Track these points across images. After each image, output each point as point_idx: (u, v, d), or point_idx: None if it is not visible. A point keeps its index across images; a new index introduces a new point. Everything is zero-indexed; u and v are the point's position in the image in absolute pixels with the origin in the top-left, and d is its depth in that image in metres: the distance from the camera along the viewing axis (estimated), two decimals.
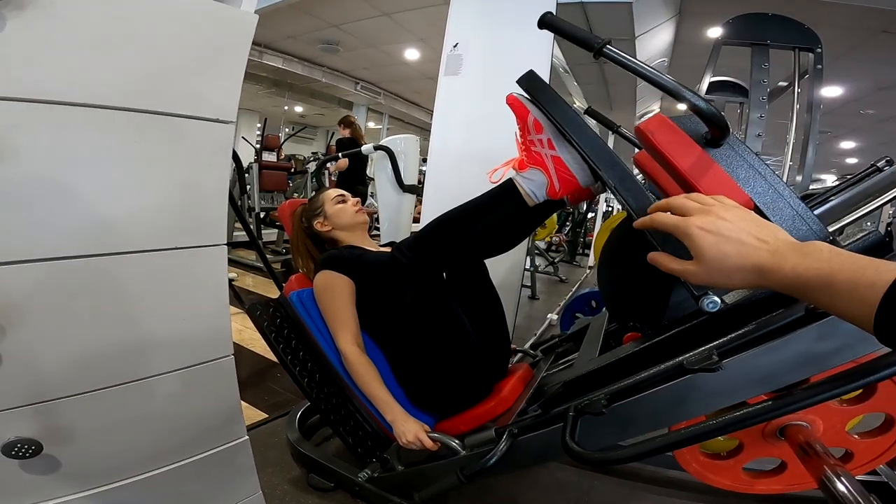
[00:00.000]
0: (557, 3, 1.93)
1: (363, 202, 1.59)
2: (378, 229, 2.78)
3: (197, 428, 0.84)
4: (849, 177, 1.12)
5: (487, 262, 1.29)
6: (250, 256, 4.02)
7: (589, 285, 4.24)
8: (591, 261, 5.77)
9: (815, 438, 0.86)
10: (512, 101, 1.00)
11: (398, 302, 1.15)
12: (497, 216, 1.06)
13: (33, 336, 0.63)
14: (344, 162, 3.70)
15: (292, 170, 5.42)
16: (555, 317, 3.05)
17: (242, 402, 0.90)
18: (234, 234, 4.09)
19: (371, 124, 9.87)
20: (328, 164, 4.22)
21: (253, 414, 1.64)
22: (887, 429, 0.92)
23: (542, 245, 5.20)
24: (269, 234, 4.74)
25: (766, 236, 0.47)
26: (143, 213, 0.70)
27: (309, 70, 6.79)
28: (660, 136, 0.79)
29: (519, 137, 1.04)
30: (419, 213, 2.26)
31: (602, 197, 6.02)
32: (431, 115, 2.16)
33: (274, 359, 1.23)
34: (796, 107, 2.11)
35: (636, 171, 1.14)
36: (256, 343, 2.14)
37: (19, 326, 0.61)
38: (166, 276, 0.75)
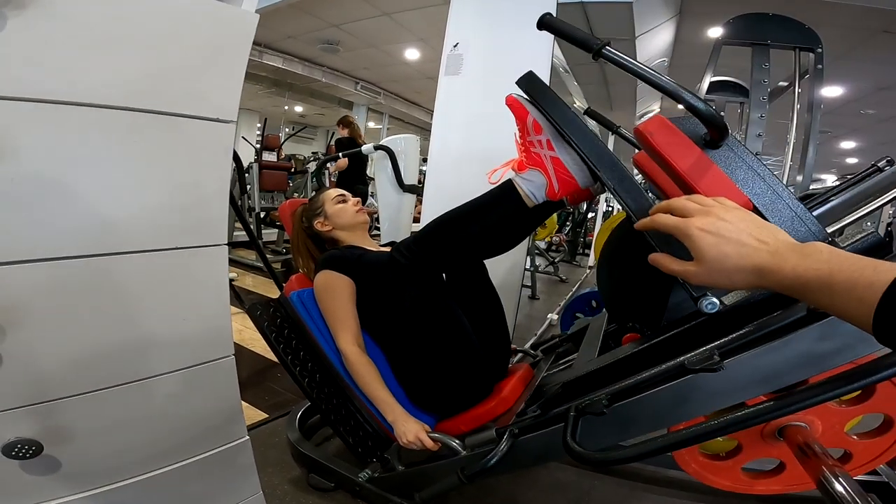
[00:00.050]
0: (558, 3, 1.93)
1: (364, 202, 1.59)
2: (378, 229, 2.78)
3: (197, 428, 0.84)
4: (849, 177, 1.12)
5: (487, 262, 1.29)
6: (250, 256, 4.02)
7: (589, 285, 4.24)
8: (592, 261, 5.77)
9: (814, 439, 0.86)
10: (511, 102, 1.00)
11: (398, 302, 1.15)
12: (496, 217, 1.06)
13: (33, 336, 0.63)
14: (344, 162, 3.70)
15: (292, 170, 5.42)
16: (555, 317, 3.05)
17: (243, 402, 0.90)
18: (235, 233, 4.09)
19: (371, 124, 9.87)
20: (328, 164, 4.22)
21: (253, 414, 1.64)
22: (886, 429, 0.92)
23: (542, 245, 5.20)
24: (270, 234, 4.74)
25: (766, 237, 0.47)
26: (144, 213, 0.70)
27: (309, 70, 6.79)
28: (659, 137, 0.79)
29: (518, 138, 1.04)
30: (419, 213, 2.26)
31: (602, 197, 6.02)
32: (432, 114, 2.16)
33: (274, 359, 1.23)
34: (797, 107, 2.11)
35: (635, 171, 1.14)
36: (257, 343, 2.14)
37: (19, 326, 0.62)
38: (167, 276, 0.75)
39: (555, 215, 4.20)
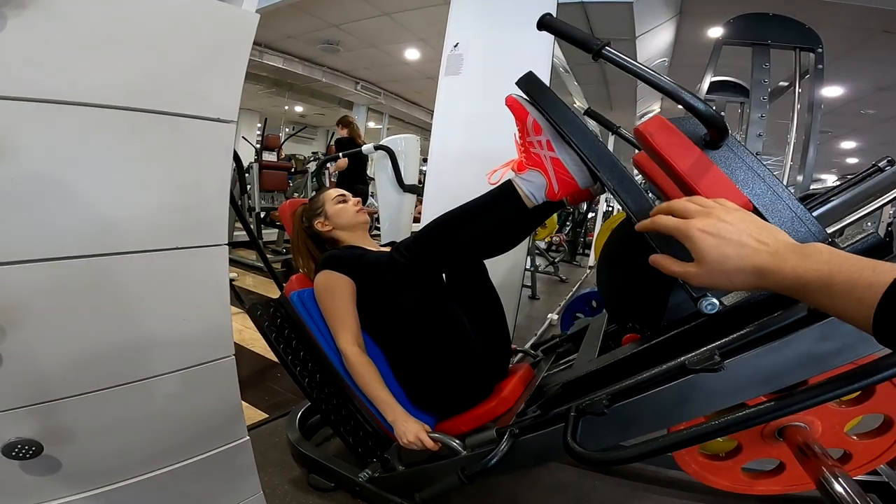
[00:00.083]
0: (558, 3, 1.93)
1: (364, 202, 1.59)
2: (378, 229, 2.78)
3: (198, 428, 0.84)
4: (849, 177, 1.12)
5: (487, 262, 1.29)
6: (251, 256, 4.02)
7: (589, 285, 4.24)
8: (592, 260, 5.77)
9: (814, 439, 0.86)
10: (511, 103, 1.00)
11: (397, 302, 1.15)
12: (496, 218, 1.06)
13: (34, 336, 0.63)
14: (343, 162, 3.70)
15: (292, 169, 5.42)
16: (555, 317, 3.05)
17: (243, 402, 0.91)
18: (235, 233, 4.09)
19: (371, 124, 9.88)
20: (328, 164, 4.22)
21: (253, 414, 1.64)
22: (886, 430, 0.92)
23: (542, 245, 5.20)
24: (270, 234, 4.74)
25: (766, 238, 0.47)
26: (144, 213, 0.70)
27: (309, 70, 6.79)
28: (659, 137, 0.79)
29: (518, 139, 1.04)
30: (420, 213, 2.26)
31: (602, 197, 6.02)
32: (432, 114, 2.16)
33: (274, 359, 1.23)
34: (797, 107, 2.11)
35: (635, 172, 1.14)
36: (257, 343, 2.14)
37: (20, 327, 0.62)
38: (167, 276, 0.75)
39: (555, 215, 4.20)
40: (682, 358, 0.76)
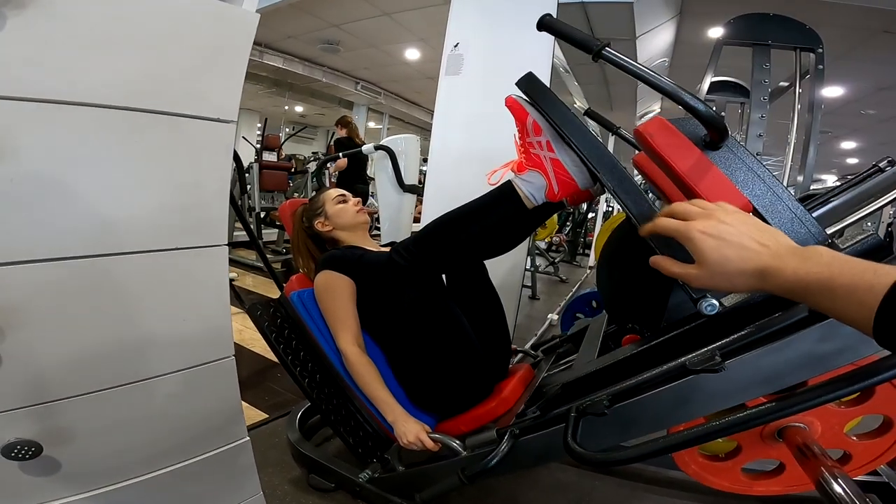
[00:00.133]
0: (558, 4, 1.93)
1: (364, 202, 1.59)
2: (379, 229, 2.79)
3: (198, 429, 0.84)
4: (850, 177, 1.12)
5: (488, 262, 1.29)
6: (251, 256, 4.02)
7: (589, 285, 4.24)
8: (592, 261, 5.77)
9: (813, 440, 0.86)
10: (511, 104, 1.00)
11: (397, 303, 1.15)
12: (496, 218, 1.06)
13: (34, 337, 0.63)
14: (343, 161, 3.70)
15: (293, 169, 5.42)
16: (555, 317, 3.05)
17: (243, 403, 0.91)
18: (235, 233, 4.09)
19: (371, 124, 9.88)
20: (328, 164, 4.23)
21: (253, 414, 1.64)
22: (886, 430, 0.92)
23: (542, 245, 5.20)
24: (270, 234, 4.74)
25: (767, 240, 0.47)
26: (144, 213, 0.70)
27: (309, 70, 6.79)
28: (659, 138, 0.79)
29: (518, 139, 1.04)
30: (420, 213, 2.26)
31: (602, 197, 6.01)
32: (432, 115, 2.16)
33: (274, 359, 1.23)
34: (797, 107, 2.11)
35: (635, 173, 1.14)
36: (257, 343, 2.14)
37: (19, 327, 0.62)
38: (167, 276, 0.75)
39: (555, 215, 4.20)
40: (683, 359, 0.76)
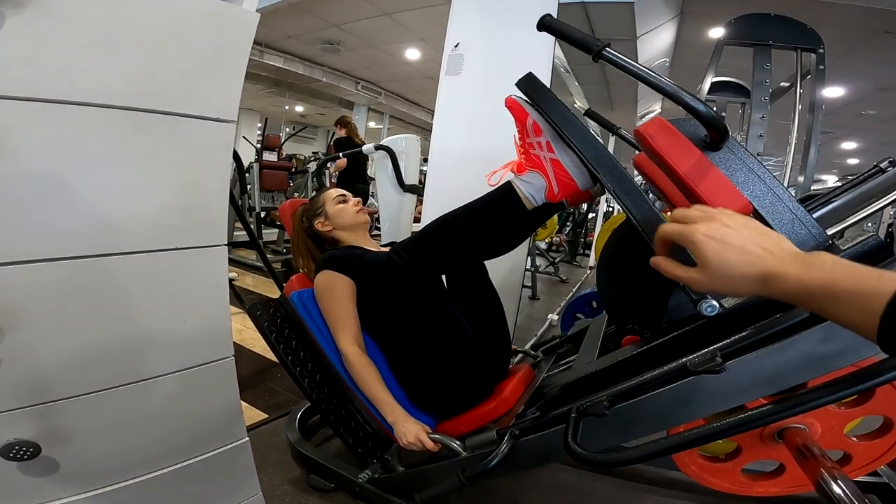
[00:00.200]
0: (559, 4, 1.93)
1: (364, 202, 1.59)
2: (379, 229, 2.79)
3: (197, 429, 0.84)
4: (850, 178, 1.12)
5: (488, 262, 1.29)
6: (251, 256, 4.02)
7: (589, 285, 4.23)
8: (592, 261, 5.76)
9: (813, 441, 0.86)
10: (511, 104, 1.00)
11: (396, 304, 1.15)
12: (495, 219, 1.06)
13: (33, 337, 0.63)
14: (343, 161, 3.71)
15: (293, 169, 5.42)
16: (555, 317, 3.05)
17: (242, 403, 0.90)
18: (235, 233, 4.09)
19: (372, 124, 9.88)
20: (328, 164, 4.23)
21: (253, 414, 1.64)
22: (886, 431, 0.91)
23: (542, 245, 5.20)
24: (270, 234, 4.74)
25: (770, 245, 0.47)
26: (144, 213, 0.70)
27: (310, 70, 6.80)
28: (659, 139, 0.78)
29: (518, 140, 1.04)
30: (420, 213, 2.26)
31: (603, 198, 6.02)
32: (432, 114, 2.16)
33: (274, 359, 1.23)
34: (798, 107, 2.11)
35: (636, 173, 1.14)
36: (257, 343, 2.14)
37: (19, 327, 0.61)
38: (166, 276, 0.75)
39: (555, 216, 4.20)
40: (683, 359, 0.76)
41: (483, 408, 1.17)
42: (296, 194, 4.27)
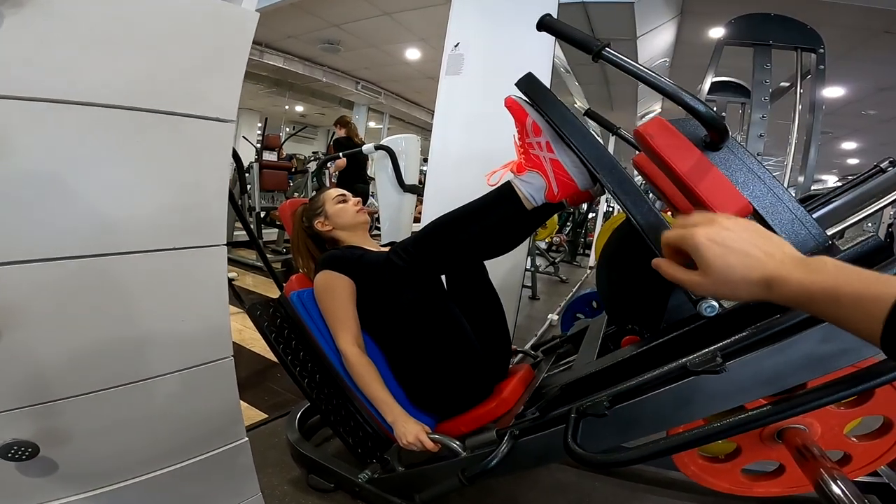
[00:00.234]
0: (559, 4, 1.93)
1: (364, 202, 1.59)
2: (379, 229, 2.78)
3: (196, 429, 0.84)
4: (850, 178, 1.12)
5: (488, 262, 1.28)
6: (251, 256, 4.02)
7: (590, 285, 4.23)
8: (592, 261, 5.76)
9: (813, 441, 0.86)
10: (510, 104, 1.00)
11: (396, 304, 1.15)
12: (495, 219, 1.06)
13: (32, 337, 0.63)
14: (342, 161, 3.71)
15: (293, 169, 5.42)
16: (555, 317, 3.05)
17: (242, 403, 0.90)
18: (235, 233, 4.09)
19: (372, 124, 9.88)
20: (328, 164, 4.23)
21: (253, 414, 1.64)
22: (885, 431, 0.91)
23: (542, 245, 5.20)
24: (270, 234, 4.74)
25: (772, 249, 0.46)
26: (143, 213, 0.70)
27: (310, 69, 6.80)
28: (658, 139, 0.78)
29: (517, 140, 1.04)
30: (420, 213, 2.26)
31: (603, 197, 6.02)
32: (432, 114, 2.16)
33: (274, 359, 1.23)
34: (798, 107, 2.11)
35: (635, 173, 1.14)
36: (257, 343, 2.14)
37: (17, 327, 0.61)
38: (165, 276, 0.75)
39: (555, 216, 4.20)
40: (683, 360, 0.76)
41: (483, 408, 1.17)
42: (296, 194, 4.27)
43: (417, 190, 2.51)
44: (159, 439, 0.80)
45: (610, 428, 0.84)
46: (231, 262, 3.84)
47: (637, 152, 1.01)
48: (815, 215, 0.89)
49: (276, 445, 1.45)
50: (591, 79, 4.94)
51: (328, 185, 4.42)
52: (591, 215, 6.78)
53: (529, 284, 3.79)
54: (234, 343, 0.86)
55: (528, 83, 0.97)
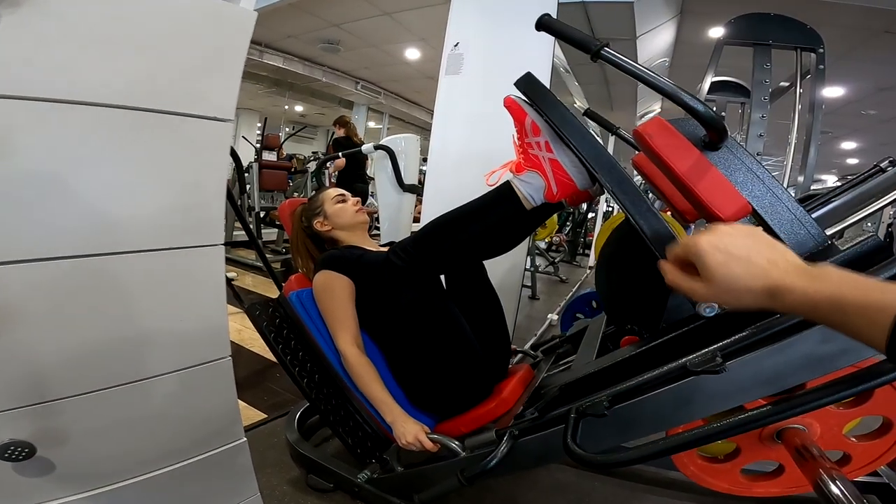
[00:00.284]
0: (558, 3, 1.93)
1: (364, 201, 1.59)
2: (378, 229, 2.78)
3: (194, 429, 0.84)
4: (850, 177, 1.12)
5: (487, 262, 1.28)
6: (250, 256, 4.02)
7: (589, 285, 4.23)
8: (592, 261, 5.76)
9: (812, 442, 0.86)
10: (509, 104, 0.99)
11: (395, 304, 1.15)
12: (494, 219, 1.05)
13: (29, 336, 0.63)
14: (342, 161, 3.71)
15: (292, 169, 5.42)
16: (555, 317, 3.05)
17: (241, 403, 0.90)
18: (234, 233, 4.09)
19: (371, 124, 9.87)
20: (328, 164, 4.23)
21: (252, 414, 1.64)
22: (885, 431, 0.91)
23: (542, 245, 5.19)
24: (269, 234, 4.74)
25: (775, 257, 0.46)
26: (141, 213, 0.70)
27: (309, 69, 6.79)
28: (658, 139, 0.78)
29: (516, 140, 1.04)
30: (419, 213, 2.26)
31: (602, 197, 6.01)
32: (432, 114, 2.16)
33: (273, 359, 1.23)
34: (798, 107, 2.11)
35: (635, 173, 1.14)
36: (256, 343, 2.14)
37: (15, 327, 0.61)
38: (163, 276, 0.74)
39: (555, 215, 4.20)
40: (683, 360, 0.76)
41: (482, 408, 1.17)
42: (295, 194, 4.27)
43: (417, 190, 2.51)
44: (157, 439, 0.80)
45: (609, 428, 0.84)
46: (230, 261, 3.84)
47: (636, 152, 1.01)
48: (814, 215, 0.89)
49: (276, 445, 1.44)
50: (590, 79, 4.94)
51: (327, 184, 4.42)
52: (590, 215, 6.78)
53: (529, 284, 3.79)
54: (233, 343, 0.85)
55: (526, 83, 0.96)
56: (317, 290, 1.24)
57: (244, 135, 7.23)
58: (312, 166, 4.35)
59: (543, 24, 0.84)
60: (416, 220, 2.50)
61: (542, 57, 1.89)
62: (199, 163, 0.75)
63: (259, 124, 9.47)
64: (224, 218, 0.81)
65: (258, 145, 5.59)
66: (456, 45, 2.01)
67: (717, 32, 2.49)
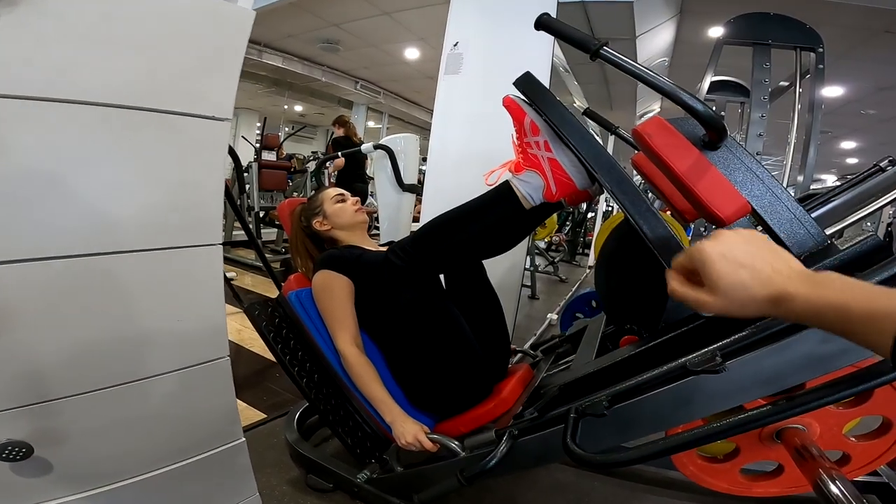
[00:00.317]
0: (558, 3, 1.93)
1: (363, 201, 1.59)
2: (378, 228, 2.78)
3: (193, 429, 0.84)
4: (849, 177, 1.12)
5: (487, 261, 1.28)
6: (249, 256, 4.01)
7: (589, 285, 4.23)
8: (591, 260, 5.76)
9: (812, 441, 0.86)
10: (509, 104, 0.99)
11: (394, 304, 1.15)
12: (493, 219, 1.05)
13: (26, 336, 0.63)
14: (341, 161, 3.70)
15: (292, 169, 5.42)
16: (555, 317, 3.04)
17: (241, 402, 0.90)
18: (234, 233, 4.09)
19: (371, 123, 9.87)
20: (327, 164, 4.23)
21: (251, 414, 1.64)
22: (885, 431, 0.91)
23: (541, 245, 5.19)
24: (269, 234, 4.74)
25: (779, 265, 0.46)
26: (139, 212, 0.70)
27: (309, 69, 6.78)
28: (657, 138, 0.78)
29: (515, 139, 1.03)
30: (419, 213, 2.26)
31: (602, 197, 6.01)
32: (431, 114, 2.16)
33: (273, 358, 1.23)
34: (797, 107, 2.11)
35: (634, 173, 1.14)
36: (255, 343, 2.13)
37: (12, 327, 0.61)
38: (161, 275, 0.74)
39: (554, 215, 4.20)
40: (683, 359, 0.76)
41: (482, 408, 1.17)
42: (295, 194, 4.27)
43: (416, 189, 2.51)
44: (155, 439, 0.80)
45: (609, 428, 0.84)
46: (230, 261, 3.83)
47: (636, 152, 1.01)
48: (813, 215, 0.89)
49: (275, 445, 1.44)
50: (590, 78, 4.94)
51: (327, 184, 4.42)
52: (590, 215, 6.78)
53: (529, 284, 3.79)
54: (232, 343, 0.85)
55: (526, 82, 0.96)
56: (316, 289, 1.24)
57: (244, 134, 7.23)
58: (312, 166, 4.34)
59: (543, 23, 0.84)
60: (416, 219, 2.50)
61: (541, 56, 1.89)
62: (198, 162, 0.75)
63: (258, 124, 9.48)
64: (222, 217, 0.81)
65: (257, 145, 5.59)
66: (455, 45, 2.01)
67: (716, 32, 2.49)
